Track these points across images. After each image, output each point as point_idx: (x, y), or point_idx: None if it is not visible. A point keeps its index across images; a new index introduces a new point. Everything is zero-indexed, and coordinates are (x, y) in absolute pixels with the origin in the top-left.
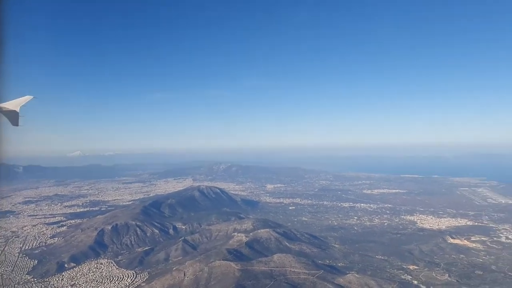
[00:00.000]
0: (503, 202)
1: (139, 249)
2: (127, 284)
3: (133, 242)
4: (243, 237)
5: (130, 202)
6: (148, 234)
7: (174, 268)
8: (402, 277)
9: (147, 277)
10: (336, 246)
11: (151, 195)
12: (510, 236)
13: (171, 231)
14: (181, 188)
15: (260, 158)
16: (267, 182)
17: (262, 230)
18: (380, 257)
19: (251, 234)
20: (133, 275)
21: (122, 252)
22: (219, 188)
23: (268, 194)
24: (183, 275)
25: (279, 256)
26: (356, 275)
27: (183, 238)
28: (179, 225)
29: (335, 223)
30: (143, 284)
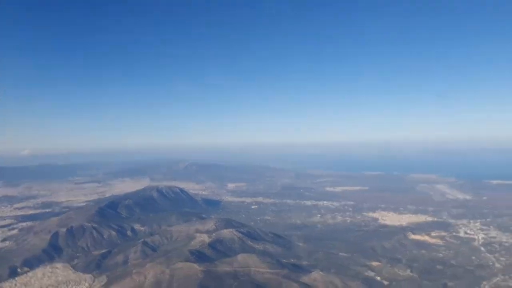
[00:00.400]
0: (461, 198)
1: (96, 252)
2: None
3: (89, 245)
4: (205, 238)
5: (85, 203)
6: (105, 236)
7: (134, 271)
8: (366, 273)
9: (106, 281)
10: (300, 244)
11: (107, 195)
12: (468, 231)
13: (129, 232)
14: (139, 188)
15: (221, 156)
16: (228, 181)
17: (225, 230)
18: (343, 254)
19: (213, 234)
20: (91, 279)
21: (78, 255)
22: (178, 188)
23: (229, 193)
24: (143, 278)
25: (243, 256)
26: (321, 273)
27: (142, 240)
28: (137, 226)
29: (299, 222)
30: None
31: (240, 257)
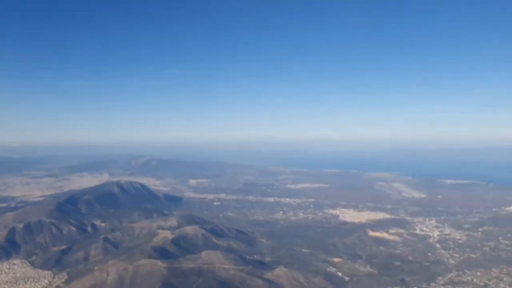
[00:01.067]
0: (417, 196)
1: (55, 248)
2: (45, 286)
3: (48, 241)
4: (168, 234)
5: (42, 198)
6: (64, 232)
7: (96, 268)
8: (327, 269)
9: (66, 277)
10: (264, 241)
11: (64, 190)
12: (424, 229)
13: (89, 229)
14: (98, 183)
15: (181, 152)
16: (189, 176)
17: (188, 227)
18: (306, 250)
19: (177, 231)
20: (51, 276)
21: (36, 251)
22: (139, 183)
23: (191, 189)
24: (106, 274)
25: (207, 253)
26: (284, 269)
27: (103, 236)
28: (98, 222)
29: (261, 218)
30: (62, 285)
31: (204, 253)
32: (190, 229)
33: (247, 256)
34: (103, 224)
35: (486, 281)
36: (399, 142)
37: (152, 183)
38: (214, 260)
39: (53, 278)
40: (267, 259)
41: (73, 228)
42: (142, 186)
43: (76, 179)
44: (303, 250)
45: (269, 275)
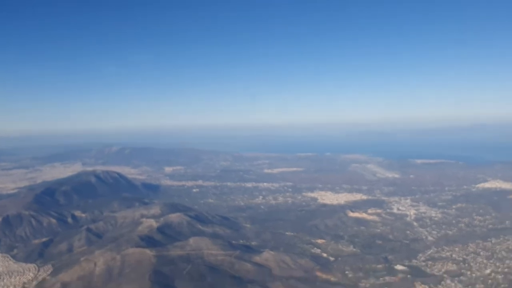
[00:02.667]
0: (390, 176)
1: (36, 241)
2: (30, 279)
3: (28, 234)
4: (153, 223)
5: (16, 190)
6: (44, 225)
7: (82, 259)
8: (312, 251)
9: (52, 269)
10: (247, 226)
11: (38, 182)
12: (400, 208)
13: (69, 220)
14: (71, 174)
15: (152, 139)
16: (164, 164)
17: (173, 215)
18: (290, 233)
19: (161, 219)
20: (35, 269)
21: (17, 245)
22: (117, 173)
23: (168, 177)
24: (93, 265)
25: (194, 239)
26: (272, 252)
27: (86, 226)
28: (78, 213)
29: (242, 204)
30: (48, 278)
31: (192, 240)
32: (175, 217)
33: (234, 241)
34: (83, 215)
35: (464, 256)
36: (369, 125)
37: (127, 171)
38: (202, 246)
39: (38, 271)
40: (253, 243)
41: (53, 220)
42: (120, 175)
43: (48, 170)
44: (287, 233)
45: (257, 258)
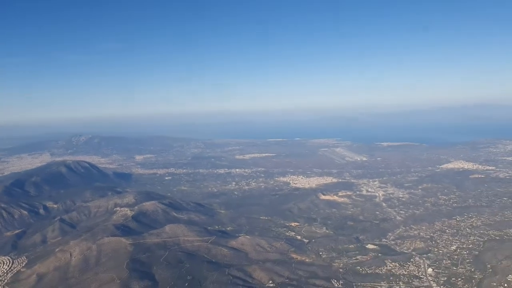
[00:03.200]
0: (358, 159)
1: (9, 233)
2: (5, 271)
3: (0, 226)
4: (128, 211)
5: None
6: (16, 216)
7: (57, 250)
8: (287, 234)
9: (26, 261)
10: (222, 211)
11: (5, 173)
12: (369, 189)
13: (41, 211)
14: (40, 164)
15: (120, 128)
16: (135, 153)
17: (147, 203)
18: (264, 217)
19: (136, 207)
20: (9, 261)
21: None
22: (87, 162)
23: (139, 166)
24: (69, 255)
25: (170, 226)
26: (247, 236)
27: (59, 217)
28: (50, 204)
29: (215, 190)
30: (23, 270)
31: (168, 227)
32: (149, 205)
33: (209, 227)
34: (55, 206)
35: (431, 234)
36: (335, 110)
37: (97, 161)
38: (178, 233)
39: (12, 263)
40: (228, 228)
41: (25, 212)
42: (90, 165)
43: (15, 161)
44: (261, 217)
45: (233, 243)
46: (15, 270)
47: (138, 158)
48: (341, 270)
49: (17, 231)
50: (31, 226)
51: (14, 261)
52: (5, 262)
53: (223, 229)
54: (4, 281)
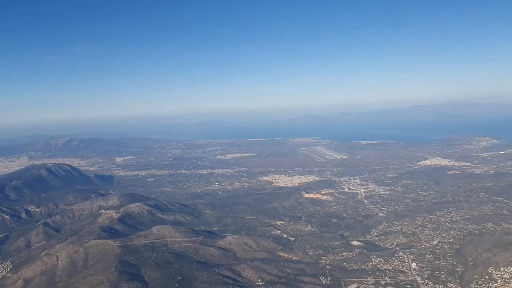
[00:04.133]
0: (339, 158)
1: None
2: None
3: None
4: (113, 214)
5: None
6: None
7: (43, 254)
8: (273, 232)
9: (11, 266)
10: (207, 212)
11: None
12: (351, 187)
13: (23, 215)
14: (18, 168)
15: (99, 130)
16: (115, 155)
17: (132, 205)
18: (249, 217)
19: (121, 209)
20: None
21: None
22: (68, 165)
23: (120, 168)
24: (55, 259)
25: (158, 228)
26: (235, 236)
27: (43, 221)
28: (31, 208)
29: (199, 191)
30: (9, 275)
31: (155, 229)
32: (134, 207)
33: (196, 228)
34: (37, 210)
35: (413, 229)
36: (312, 109)
37: (77, 163)
38: (166, 234)
39: None
40: (215, 228)
41: (6, 216)
42: (71, 167)
43: None
44: (246, 217)
45: (221, 243)
46: (0, 276)
47: (119, 160)
48: (328, 266)
49: None
50: (13, 230)
51: None
52: None
53: (210, 229)
54: None
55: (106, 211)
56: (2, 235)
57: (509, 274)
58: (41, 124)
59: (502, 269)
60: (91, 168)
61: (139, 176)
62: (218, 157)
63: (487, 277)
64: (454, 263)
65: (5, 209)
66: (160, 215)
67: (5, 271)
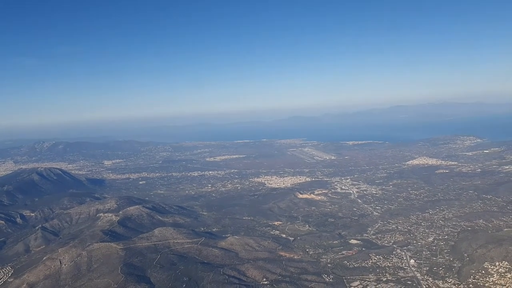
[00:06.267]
0: (327, 158)
1: None
2: None
3: None
4: (112, 217)
5: None
6: None
7: (45, 258)
8: (272, 232)
9: (12, 271)
10: (205, 213)
11: None
12: (343, 187)
13: (19, 220)
14: (4, 173)
15: (83, 133)
16: (102, 158)
17: (131, 208)
18: (247, 218)
19: (120, 212)
20: None
21: None
22: (59, 169)
23: (110, 171)
24: (59, 263)
25: (159, 230)
26: (236, 237)
27: (40, 225)
28: (26, 212)
29: (193, 193)
30: (11, 280)
31: (157, 231)
32: (133, 209)
33: (196, 229)
34: (32, 214)
35: (409, 227)
36: (295, 110)
37: (65, 167)
38: (168, 236)
39: None
40: (214, 229)
41: (1, 221)
42: (63, 171)
43: None
44: (244, 218)
45: (223, 244)
46: (1, 281)
47: (107, 163)
48: (329, 265)
49: None
50: (9, 235)
51: None
52: None
53: (209, 230)
54: None
55: (105, 214)
56: None
57: (504, 268)
58: (23, 128)
59: (497, 263)
60: (80, 172)
61: (130, 179)
62: (208, 159)
63: (483, 271)
64: (451, 259)
65: None
66: (159, 217)
67: (6, 276)
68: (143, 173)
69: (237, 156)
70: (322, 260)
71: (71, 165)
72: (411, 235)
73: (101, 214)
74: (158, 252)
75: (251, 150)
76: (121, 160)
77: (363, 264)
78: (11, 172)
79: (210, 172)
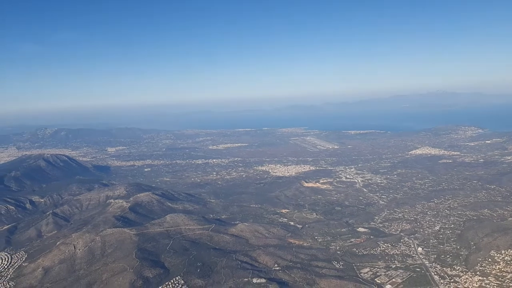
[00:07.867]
0: (330, 147)
1: None
2: (5, 267)
3: None
4: (123, 203)
5: None
6: (2, 212)
7: (59, 243)
8: (280, 220)
9: (26, 256)
10: (213, 201)
11: None
12: (348, 176)
13: (28, 205)
14: (8, 159)
15: (85, 120)
16: (105, 145)
17: (141, 194)
18: (254, 205)
19: (131, 199)
20: (8, 257)
21: None
22: (66, 156)
23: (114, 158)
24: (73, 248)
25: (171, 216)
26: (245, 224)
27: (51, 211)
28: (35, 198)
29: (198, 180)
30: (25, 264)
31: (169, 217)
32: (144, 196)
33: (205, 216)
34: (42, 200)
35: (415, 216)
36: (294, 99)
37: (68, 154)
38: (179, 222)
39: (11, 258)
40: (223, 216)
41: (11, 207)
42: (69, 158)
43: None
44: (251, 205)
45: (233, 230)
46: (16, 265)
47: (111, 150)
48: (338, 252)
49: (7, 226)
50: (20, 221)
51: (13, 256)
52: (4, 258)
53: (218, 217)
54: (7, 276)
55: (115, 200)
56: (10, 225)
57: (510, 256)
58: (24, 114)
59: (503, 252)
60: (84, 159)
61: (135, 166)
62: (210, 147)
63: (490, 259)
64: (458, 247)
65: (9, 200)
66: (169, 204)
67: (21, 260)
68: (147, 160)
69: (239, 144)
70: (331, 247)
71: (74, 152)
72: (418, 223)
73: (112, 201)
74: (171, 237)
75: (253, 138)
76: (124, 147)
77: (371, 252)
78: (15, 158)
79: (214, 160)
